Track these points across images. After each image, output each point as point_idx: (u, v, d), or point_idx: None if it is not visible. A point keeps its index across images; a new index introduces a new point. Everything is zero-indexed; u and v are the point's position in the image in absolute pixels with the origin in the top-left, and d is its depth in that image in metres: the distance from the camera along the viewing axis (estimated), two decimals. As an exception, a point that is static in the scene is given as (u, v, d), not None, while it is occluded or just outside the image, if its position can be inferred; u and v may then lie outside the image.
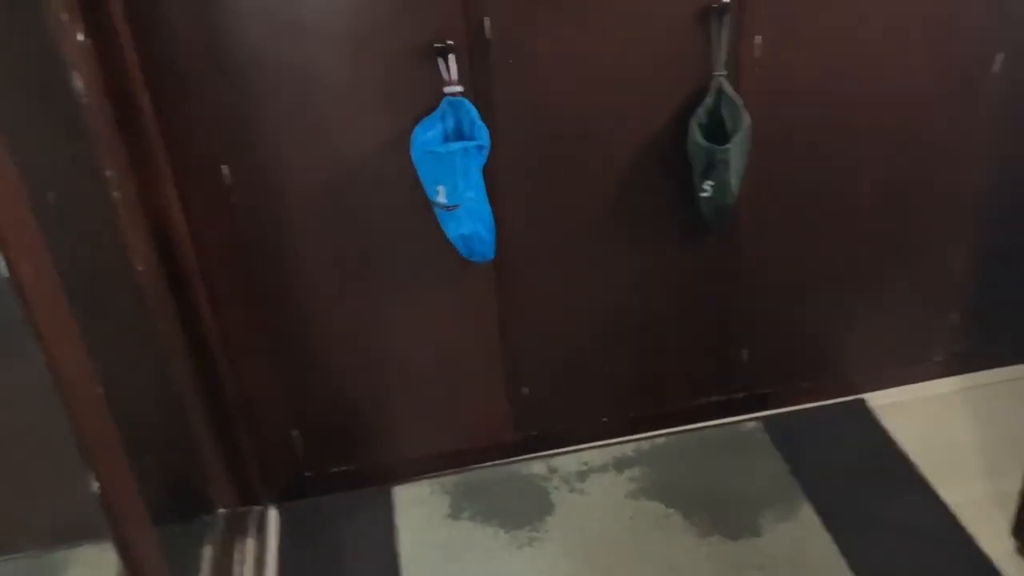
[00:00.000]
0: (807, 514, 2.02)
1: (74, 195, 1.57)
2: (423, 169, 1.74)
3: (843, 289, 2.21)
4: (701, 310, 2.16)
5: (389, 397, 2.13)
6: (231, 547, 2.00)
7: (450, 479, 2.21)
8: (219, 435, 2.01)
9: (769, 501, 2.06)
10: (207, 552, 1.96)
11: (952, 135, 2.04)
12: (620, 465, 2.21)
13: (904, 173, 2.07)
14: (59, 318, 1.09)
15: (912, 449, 2.18)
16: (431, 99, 1.74)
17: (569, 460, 2.24)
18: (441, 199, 1.75)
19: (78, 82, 1.48)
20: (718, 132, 1.83)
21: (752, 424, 2.30)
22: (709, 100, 1.82)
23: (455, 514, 2.12)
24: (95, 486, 1.17)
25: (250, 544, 2.05)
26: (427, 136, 1.73)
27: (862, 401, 2.34)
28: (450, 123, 1.75)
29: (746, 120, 1.81)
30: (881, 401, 2.34)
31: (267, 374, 2.02)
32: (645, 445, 2.26)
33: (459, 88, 1.72)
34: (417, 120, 1.75)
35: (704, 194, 1.87)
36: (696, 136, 1.81)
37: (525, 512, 2.10)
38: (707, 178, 1.84)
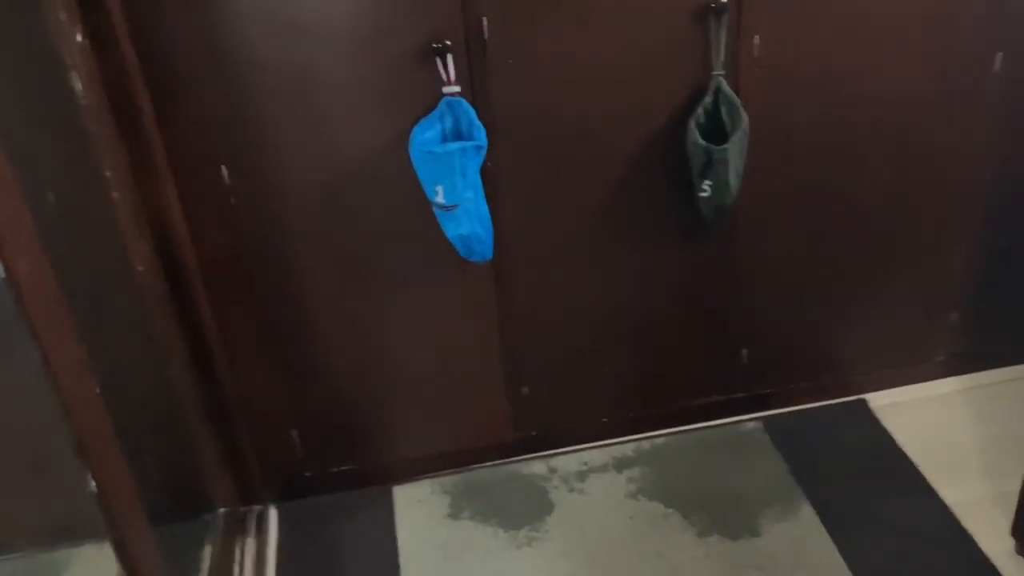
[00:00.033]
0: (807, 514, 2.02)
1: (74, 195, 1.58)
2: (422, 169, 1.74)
3: (843, 289, 2.21)
4: (701, 310, 2.16)
5: (389, 397, 2.14)
6: (231, 546, 2.01)
7: (450, 479, 2.21)
8: (219, 435, 2.01)
9: (769, 501, 2.06)
10: (207, 551, 1.96)
11: (952, 135, 2.03)
12: (620, 465, 2.21)
13: (904, 173, 2.06)
14: (56, 317, 1.10)
15: (912, 449, 2.18)
16: (430, 99, 1.74)
17: (569, 460, 2.24)
18: (440, 199, 1.76)
19: (77, 82, 1.49)
20: (717, 132, 1.83)
21: (752, 424, 2.30)
22: (708, 100, 1.82)
23: (455, 514, 2.12)
24: (92, 485, 1.17)
25: (250, 543, 2.05)
26: (425, 136, 1.73)
27: (863, 401, 2.34)
28: (448, 123, 1.75)
29: (745, 120, 1.80)
30: (882, 401, 2.34)
31: (267, 374, 2.03)
32: (645, 445, 2.26)
33: (457, 88, 1.73)
34: (416, 120, 1.75)
35: (703, 194, 1.87)
36: (695, 136, 1.81)
37: (525, 512, 2.10)
38: (706, 178, 1.84)
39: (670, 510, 2.07)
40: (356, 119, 1.78)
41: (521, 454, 2.25)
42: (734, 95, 1.81)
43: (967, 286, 2.25)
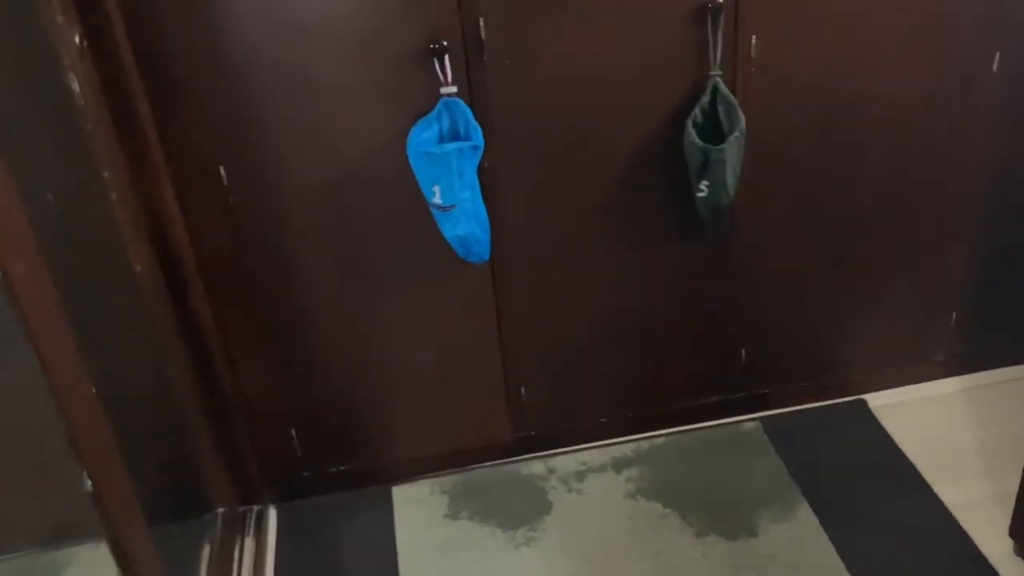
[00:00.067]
0: (805, 514, 2.02)
1: (72, 196, 1.59)
2: (419, 170, 1.75)
3: (842, 289, 2.20)
4: (700, 310, 2.16)
5: (388, 397, 2.14)
6: (230, 546, 2.01)
7: (449, 479, 2.22)
8: (218, 435, 2.02)
9: (767, 501, 2.06)
10: (205, 551, 1.96)
11: (951, 135, 2.03)
12: (618, 465, 2.21)
13: (903, 173, 2.06)
14: (51, 318, 1.10)
15: (912, 449, 2.18)
16: (427, 100, 1.75)
17: (567, 460, 2.24)
18: (437, 199, 1.76)
19: (75, 83, 1.49)
20: (714, 132, 1.83)
21: (751, 424, 2.29)
22: (705, 100, 1.82)
23: (453, 514, 2.12)
24: (88, 484, 1.17)
25: (248, 543, 2.06)
26: (423, 137, 1.74)
27: (862, 401, 2.34)
28: (446, 124, 1.76)
29: (742, 120, 1.80)
30: (881, 401, 2.33)
31: (266, 373, 2.03)
32: (644, 445, 2.26)
33: (454, 89, 1.73)
34: (413, 121, 1.75)
35: (700, 194, 1.87)
36: (692, 136, 1.81)
37: (523, 512, 2.10)
38: (703, 178, 1.84)
39: (668, 510, 2.07)
40: (354, 119, 1.78)
41: (520, 454, 2.25)
42: (731, 95, 1.81)
43: (966, 286, 2.25)
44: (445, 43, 1.71)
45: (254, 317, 1.97)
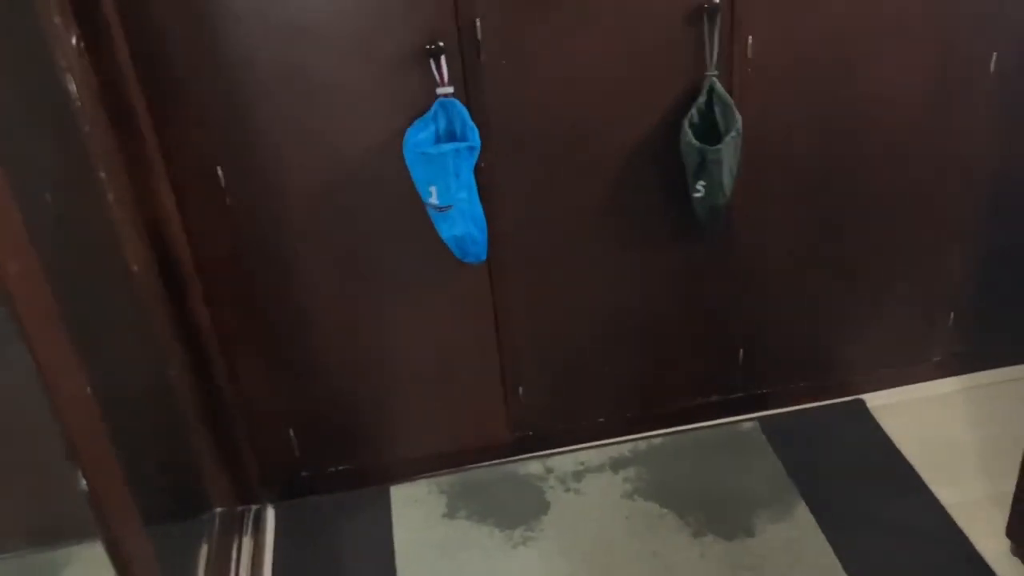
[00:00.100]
0: (802, 514, 2.02)
1: (69, 197, 1.59)
2: (415, 170, 1.75)
3: (841, 289, 2.20)
4: (698, 310, 2.17)
5: (386, 397, 2.14)
6: (228, 546, 2.01)
7: (447, 479, 2.22)
8: (216, 434, 2.03)
9: (765, 501, 2.06)
10: (203, 551, 1.97)
11: (949, 135, 2.03)
12: (616, 465, 2.21)
13: (901, 173, 2.06)
14: (46, 317, 1.10)
15: (910, 450, 2.18)
16: (424, 100, 1.75)
17: (565, 460, 2.24)
18: (434, 200, 1.76)
19: (71, 85, 1.50)
20: (710, 132, 1.83)
21: (749, 424, 2.30)
22: (701, 100, 1.83)
23: (451, 513, 2.12)
24: (83, 484, 1.18)
25: (247, 543, 2.06)
26: (419, 137, 1.74)
27: (860, 401, 2.34)
28: (442, 124, 1.76)
29: (738, 120, 1.81)
30: (879, 401, 2.33)
31: (264, 373, 2.04)
32: (641, 445, 2.26)
33: (450, 89, 1.73)
34: (411, 121, 1.76)
35: (697, 194, 1.87)
36: (688, 136, 1.82)
37: (521, 512, 2.11)
38: (699, 178, 1.85)
39: (666, 510, 2.07)
40: (351, 120, 1.79)
41: (518, 454, 2.25)
42: (727, 95, 1.81)
43: (964, 286, 2.25)
44: (441, 44, 1.71)
45: (252, 317, 1.97)
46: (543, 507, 2.11)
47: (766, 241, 2.10)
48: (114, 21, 1.57)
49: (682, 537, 2.00)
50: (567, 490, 2.16)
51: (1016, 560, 1.86)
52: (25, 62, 1.48)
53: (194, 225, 1.82)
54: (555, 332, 2.13)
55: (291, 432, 2.13)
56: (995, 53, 1.94)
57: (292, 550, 2.07)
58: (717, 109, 1.83)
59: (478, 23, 1.72)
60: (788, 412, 2.32)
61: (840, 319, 2.25)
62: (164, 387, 1.91)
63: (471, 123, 1.74)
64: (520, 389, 2.18)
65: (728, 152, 1.81)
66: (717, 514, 2.04)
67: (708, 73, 1.81)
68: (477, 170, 1.79)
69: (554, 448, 2.27)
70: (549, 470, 2.22)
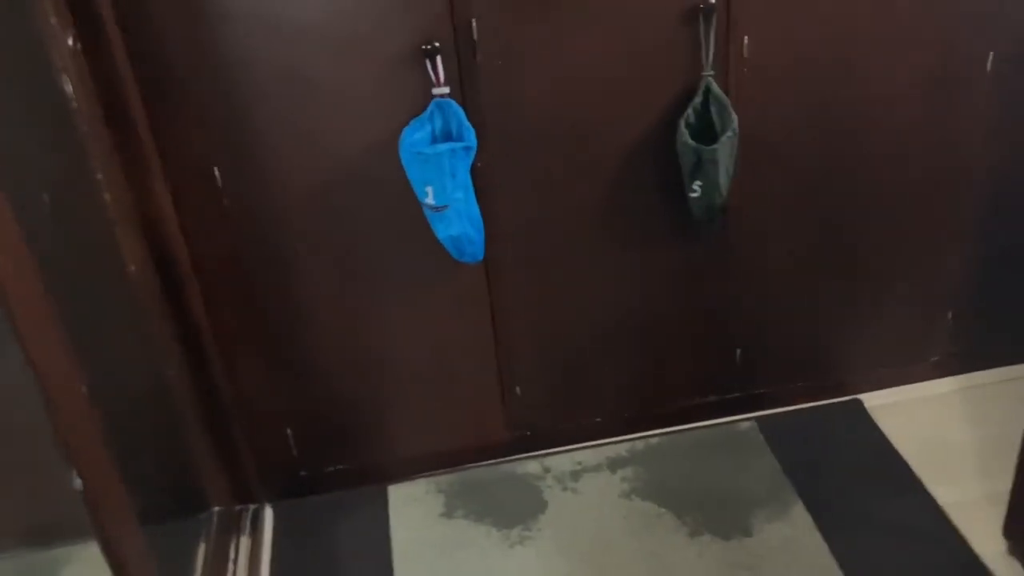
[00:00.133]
0: (799, 514, 2.02)
1: (66, 196, 1.60)
2: (411, 170, 1.75)
3: (838, 289, 2.21)
4: (695, 310, 2.17)
5: (384, 397, 2.15)
6: (225, 545, 2.02)
7: (445, 478, 2.22)
8: (214, 433, 2.03)
9: (762, 501, 2.06)
10: (201, 550, 1.97)
11: (946, 135, 2.03)
12: (614, 465, 2.21)
13: (898, 173, 2.06)
14: (39, 315, 1.11)
15: (907, 449, 2.17)
16: (420, 100, 1.75)
17: (563, 460, 2.24)
18: (430, 200, 1.77)
19: (68, 85, 1.51)
20: (707, 132, 1.84)
21: (747, 424, 2.30)
22: (697, 100, 1.83)
23: (449, 513, 2.13)
24: (77, 482, 1.18)
25: (244, 542, 2.07)
26: (415, 137, 1.74)
27: (858, 401, 2.34)
28: (438, 124, 1.76)
29: (734, 120, 1.81)
30: (877, 401, 2.33)
31: (262, 373, 2.04)
32: (639, 445, 2.27)
33: (446, 89, 1.74)
34: (407, 121, 1.76)
35: (693, 194, 1.87)
36: (684, 136, 1.82)
37: (518, 511, 2.11)
38: (695, 178, 1.85)
39: (663, 510, 2.07)
40: (347, 120, 1.79)
41: (515, 453, 2.26)
42: (724, 95, 1.82)
43: (962, 286, 2.25)
44: (437, 44, 1.71)
45: (250, 316, 1.98)
46: (541, 506, 2.12)
47: (764, 241, 2.10)
48: (110, 21, 1.58)
49: (679, 537, 2.00)
50: (565, 489, 2.16)
51: (1012, 559, 1.86)
52: (21, 63, 1.48)
53: (191, 225, 1.83)
54: (553, 332, 2.14)
55: (289, 431, 2.13)
56: (992, 53, 1.94)
57: (290, 549, 2.08)
58: (713, 109, 1.83)
59: (474, 23, 1.73)
60: (786, 412, 2.33)
61: (838, 319, 2.25)
62: (162, 386, 1.92)
63: (467, 123, 1.75)
64: (518, 389, 2.19)
65: (724, 152, 1.81)
66: (714, 514, 2.05)
67: (704, 73, 1.81)
68: (474, 170, 1.79)
69: (552, 448, 2.27)
70: (547, 469, 2.22)
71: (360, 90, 1.77)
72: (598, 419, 2.27)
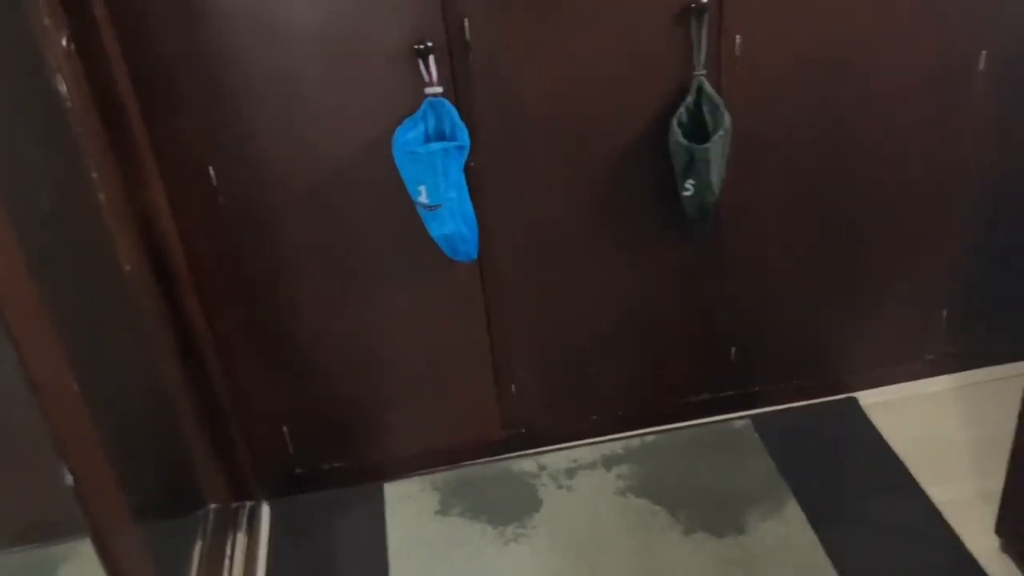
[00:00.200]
0: (793, 512, 2.03)
1: (60, 196, 1.61)
2: (405, 169, 1.76)
3: (833, 287, 2.21)
4: (690, 308, 2.17)
5: (380, 395, 2.16)
6: (222, 542, 2.03)
7: (440, 476, 2.23)
8: (211, 431, 2.04)
9: (756, 499, 2.07)
10: (198, 547, 1.98)
11: (939, 133, 2.03)
12: (609, 463, 2.22)
13: (892, 171, 2.07)
14: (29, 313, 1.12)
15: (901, 447, 2.18)
16: (413, 100, 1.76)
17: (558, 457, 2.25)
18: (423, 199, 1.77)
19: (62, 85, 1.52)
20: (699, 131, 1.84)
21: (741, 422, 2.30)
22: (690, 99, 1.83)
23: (444, 510, 2.14)
24: (68, 478, 1.19)
25: (241, 539, 2.08)
26: (408, 136, 1.75)
27: (853, 399, 2.34)
28: (431, 123, 1.77)
29: (727, 119, 1.81)
30: (872, 400, 2.34)
31: (258, 371, 2.05)
32: (634, 443, 2.27)
33: (439, 89, 1.74)
34: (400, 121, 1.77)
35: (686, 193, 1.88)
36: (677, 135, 1.82)
37: (513, 508, 2.12)
38: (688, 177, 1.85)
39: (658, 507, 2.08)
40: (341, 119, 1.80)
41: (511, 451, 2.27)
42: (716, 95, 1.82)
43: (958, 285, 2.25)
44: (430, 44, 1.72)
45: (246, 315, 1.99)
46: (535, 504, 2.13)
47: (759, 240, 2.10)
48: (104, 21, 1.59)
49: (673, 534, 2.01)
50: (560, 487, 2.17)
51: (1005, 557, 1.87)
52: (15, 63, 1.49)
53: (186, 224, 1.84)
54: (548, 330, 2.15)
55: (285, 429, 2.14)
56: (984, 52, 1.94)
57: (286, 546, 2.09)
58: (705, 108, 1.84)
59: (466, 23, 1.74)
60: (780, 410, 2.33)
61: (833, 317, 2.26)
62: (159, 385, 1.93)
63: (460, 122, 1.75)
64: (513, 387, 2.19)
65: (716, 151, 1.82)
66: (708, 511, 2.05)
67: (696, 72, 1.82)
68: (467, 169, 1.80)
69: (547, 445, 2.28)
70: (542, 467, 2.23)
71: (353, 90, 1.77)
72: (593, 417, 2.28)
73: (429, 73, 1.74)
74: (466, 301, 2.06)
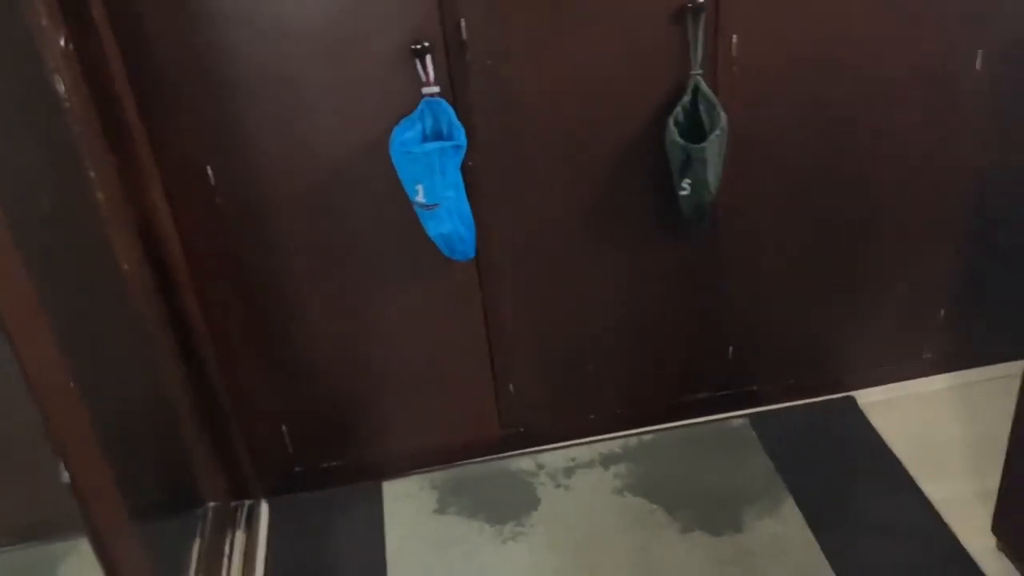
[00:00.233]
0: (790, 510, 2.03)
1: (59, 197, 1.62)
2: (402, 169, 1.77)
3: (831, 286, 2.21)
4: (686, 307, 2.18)
5: (378, 394, 2.16)
6: (221, 541, 2.04)
7: (439, 475, 2.24)
8: (210, 431, 2.05)
9: (753, 497, 2.07)
10: (196, 545, 1.99)
11: (936, 133, 2.03)
12: (606, 461, 2.23)
13: (890, 171, 2.07)
14: (25, 309, 1.13)
15: (899, 446, 2.18)
16: (410, 100, 1.77)
17: (556, 456, 2.26)
18: (420, 198, 1.78)
19: (60, 85, 1.52)
20: (696, 130, 1.85)
21: (739, 421, 2.31)
22: (686, 99, 1.84)
23: (442, 509, 2.14)
24: (65, 475, 1.20)
25: (239, 537, 2.09)
26: (405, 136, 1.76)
27: (851, 398, 2.35)
28: (428, 123, 1.78)
29: (723, 119, 1.81)
30: (870, 399, 2.34)
31: (257, 370, 2.06)
32: (632, 442, 2.28)
33: (436, 89, 1.75)
34: (398, 120, 1.77)
35: (683, 192, 1.88)
36: (673, 135, 1.83)
37: (511, 507, 2.12)
38: (685, 176, 1.86)
39: (655, 506, 2.09)
40: (338, 119, 1.81)
41: (509, 450, 2.27)
42: (712, 94, 1.82)
43: (955, 284, 2.25)
44: (427, 44, 1.73)
45: (244, 314, 1.99)
46: (533, 503, 2.13)
47: (756, 239, 2.11)
48: (102, 21, 1.60)
49: (670, 533, 2.02)
50: (557, 486, 2.17)
51: (1001, 555, 1.87)
52: (13, 63, 1.50)
53: (184, 224, 1.85)
54: (546, 329, 2.15)
55: (284, 428, 2.15)
56: (981, 51, 1.94)
57: (285, 545, 2.10)
58: (702, 108, 1.84)
59: (463, 23, 1.74)
60: (778, 409, 2.33)
61: (830, 316, 2.26)
62: (158, 384, 1.94)
63: (457, 122, 1.76)
64: (511, 386, 2.20)
65: (713, 150, 1.82)
66: (706, 510, 2.06)
67: (693, 72, 1.82)
68: (464, 168, 1.81)
69: (545, 444, 2.28)
70: (540, 466, 2.24)
71: (350, 89, 1.78)
72: (591, 416, 2.29)
73: (426, 73, 1.74)
74: (464, 300, 2.07)
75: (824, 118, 1.97)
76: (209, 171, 1.81)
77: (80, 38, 1.56)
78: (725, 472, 2.16)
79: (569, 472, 2.20)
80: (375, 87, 1.78)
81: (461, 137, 1.76)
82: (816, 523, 1.99)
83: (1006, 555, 1.87)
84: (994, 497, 1.85)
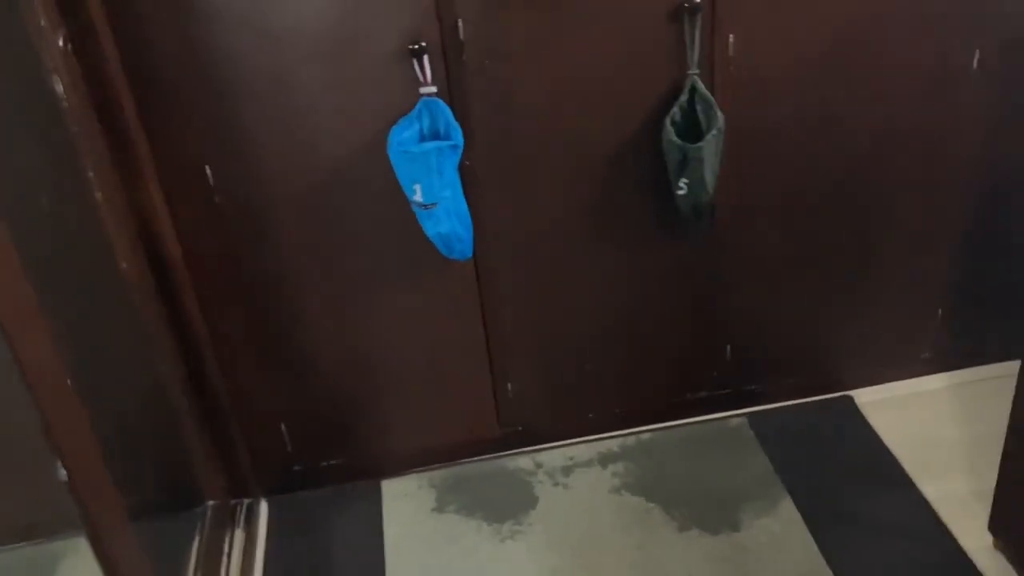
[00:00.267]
0: (788, 509, 2.04)
1: (57, 196, 1.63)
2: (400, 169, 1.77)
3: (829, 285, 2.21)
4: (685, 306, 2.18)
5: (377, 393, 2.17)
6: (220, 539, 2.04)
7: (437, 473, 2.25)
8: (209, 429, 2.06)
9: (751, 496, 2.08)
10: (196, 543, 2.00)
11: (933, 132, 2.04)
12: (605, 460, 2.23)
13: (887, 171, 2.07)
14: (21, 306, 1.13)
15: (897, 446, 2.19)
16: (408, 100, 1.77)
17: (555, 455, 2.26)
18: (418, 198, 1.79)
19: (58, 85, 1.53)
20: (693, 130, 1.85)
21: (737, 420, 2.31)
22: (683, 99, 1.84)
23: (441, 507, 2.15)
24: (61, 473, 1.20)
25: (239, 536, 2.09)
26: (403, 136, 1.76)
27: (848, 398, 2.35)
28: (426, 123, 1.78)
29: (720, 119, 1.82)
30: (868, 398, 2.34)
31: (256, 369, 2.07)
32: (630, 441, 2.28)
33: (434, 88, 1.76)
34: (395, 120, 1.78)
35: (680, 191, 1.89)
36: (670, 134, 1.83)
37: (509, 506, 2.13)
38: (682, 176, 1.86)
39: (652, 505, 2.09)
40: (336, 119, 1.81)
41: (507, 449, 2.28)
42: (709, 94, 1.83)
43: (953, 283, 2.26)
44: (424, 44, 1.73)
45: (243, 313, 2.00)
46: (532, 501, 2.14)
47: (754, 238, 2.11)
48: (101, 22, 1.60)
49: (668, 531, 2.02)
50: (556, 485, 2.18)
51: (998, 554, 1.87)
52: (12, 64, 1.51)
53: (184, 223, 1.85)
54: (544, 329, 2.16)
55: (283, 427, 2.16)
56: (978, 50, 1.94)
57: (284, 543, 2.10)
58: (699, 107, 1.85)
59: (460, 23, 1.75)
60: (776, 408, 2.34)
61: (829, 316, 2.26)
62: (157, 382, 1.95)
63: (454, 122, 1.77)
64: (509, 385, 2.20)
65: (709, 150, 1.83)
66: (703, 509, 2.06)
67: (690, 72, 1.83)
68: (462, 168, 1.81)
69: (543, 443, 2.29)
70: (538, 465, 2.24)
71: (348, 89, 1.79)
72: (589, 415, 2.29)
73: (423, 73, 1.75)
74: (463, 299, 2.07)
75: (821, 117, 1.97)
76: (208, 171, 1.81)
77: (79, 38, 1.57)
78: (723, 471, 2.16)
79: (567, 471, 2.21)
80: (373, 87, 1.78)
81: (458, 137, 1.76)
82: (814, 522, 2.00)
83: (1003, 554, 1.87)
84: (991, 496, 1.85)
